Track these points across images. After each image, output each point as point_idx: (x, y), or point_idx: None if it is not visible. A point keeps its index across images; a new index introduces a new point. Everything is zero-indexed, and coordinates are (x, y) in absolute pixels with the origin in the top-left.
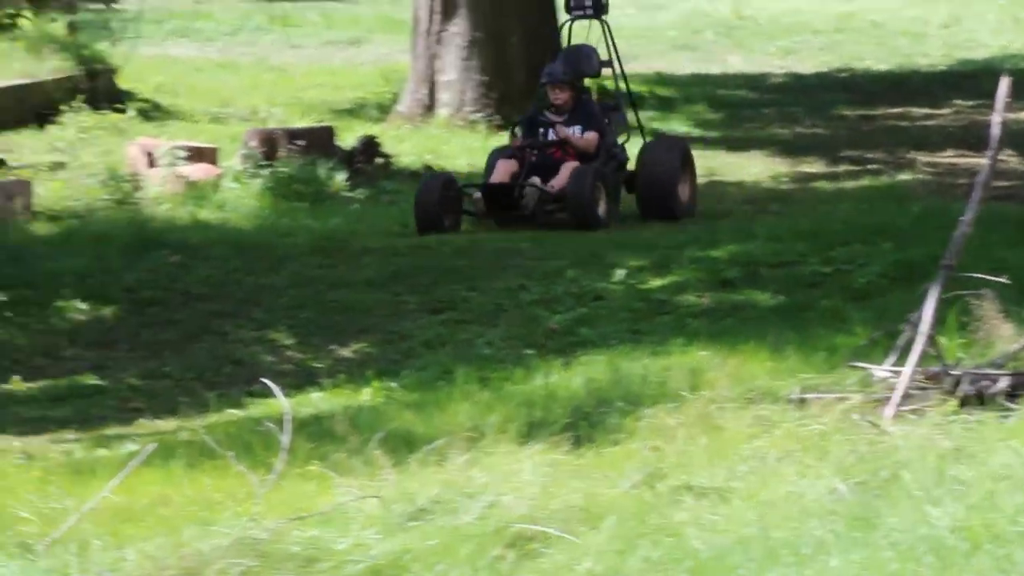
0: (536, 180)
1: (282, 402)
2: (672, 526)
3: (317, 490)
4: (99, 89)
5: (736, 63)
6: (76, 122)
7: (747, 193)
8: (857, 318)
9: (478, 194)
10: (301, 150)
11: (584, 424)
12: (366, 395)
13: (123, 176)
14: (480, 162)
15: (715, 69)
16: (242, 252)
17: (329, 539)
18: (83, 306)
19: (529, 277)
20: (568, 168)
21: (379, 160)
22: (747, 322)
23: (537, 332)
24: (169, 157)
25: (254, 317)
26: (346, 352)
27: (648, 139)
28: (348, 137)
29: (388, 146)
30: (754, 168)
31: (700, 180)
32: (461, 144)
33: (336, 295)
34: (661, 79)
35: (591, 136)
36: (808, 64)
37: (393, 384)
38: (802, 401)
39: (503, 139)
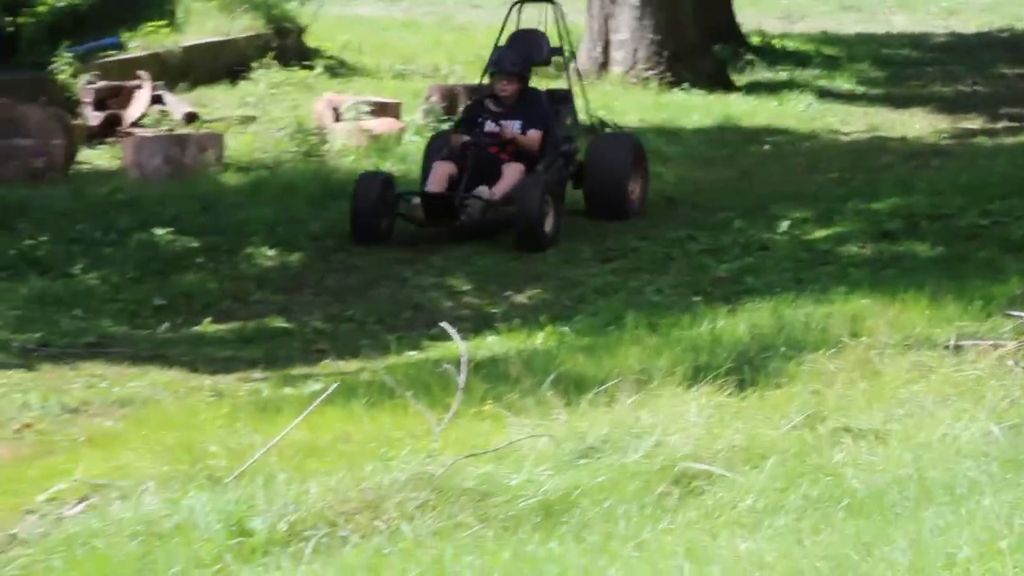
0: (483, 191)
1: (459, 345)
2: (831, 466)
3: (491, 428)
4: (288, 47)
5: (900, 23)
6: (266, 78)
7: (909, 148)
8: (1013, 268)
9: (416, 200)
10: None
11: (748, 368)
12: (540, 339)
13: (310, 130)
14: (651, 118)
15: (880, 29)
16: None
17: (502, 475)
18: (271, 253)
19: (697, 227)
20: (512, 171)
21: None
22: (907, 272)
23: (704, 280)
24: (354, 112)
25: (433, 264)
26: (521, 298)
27: (598, 125)
28: None
29: None
30: (916, 124)
31: (862, 135)
32: (633, 100)
33: (512, 243)
34: (827, 38)
35: (534, 135)
36: (970, 24)
37: (565, 329)
38: (958, 348)
39: (674, 96)
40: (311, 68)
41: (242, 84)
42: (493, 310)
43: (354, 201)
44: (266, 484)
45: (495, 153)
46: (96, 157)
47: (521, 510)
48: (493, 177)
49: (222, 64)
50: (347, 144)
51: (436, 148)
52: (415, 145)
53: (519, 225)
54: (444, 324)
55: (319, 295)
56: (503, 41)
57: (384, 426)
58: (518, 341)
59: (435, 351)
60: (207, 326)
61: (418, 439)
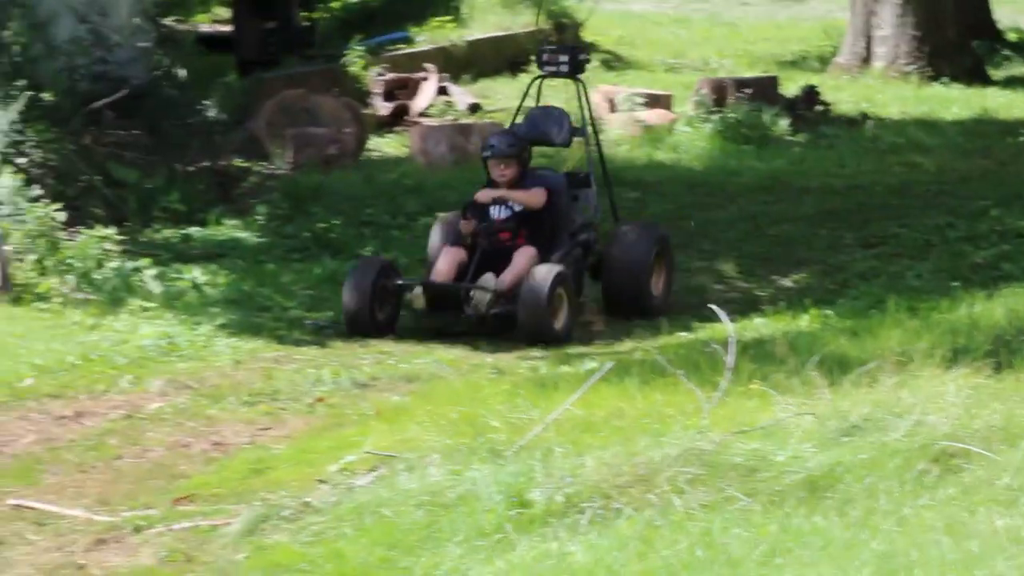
0: (489, 280)
1: (728, 326)
2: None
3: (758, 407)
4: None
5: None
6: None
7: None
8: None
9: (418, 290)
10: (748, 98)
11: (1005, 351)
12: (804, 321)
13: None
14: (912, 110)
15: None
16: (693, 189)
17: (768, 451)
18: None
19: (956, 215)
20: (523, 257)
21: (819, 107)
22: None
23: (962, 266)
24: (628, 103)
25: (703, 249)
26: (786, 282)
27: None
28: (790, 86)
29: (827, 95)
30: None
31: None
32: (894, 94)
33: (778, 230)
34: None
35: (537, 192)
36: None
37: (829, 312)
38: None
39: (934, 90)
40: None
41: (522, 76)
42: (760, 293)
43: (346, 290)
44: (544, 457)
45: (506, 239)
46: (385, 145)
47: (787, 485)
48: (504, 266)
49: (503, 57)
50: (622, 133)
51: (444, 232)
52: (686, 135)
53: (524, 317)
54: (713, 306)
55: (593, 277)
56: (521, 118)
57: (656, 403)
58: (783, 323)
59: (704, 332)
60: None
61: (688, 416)
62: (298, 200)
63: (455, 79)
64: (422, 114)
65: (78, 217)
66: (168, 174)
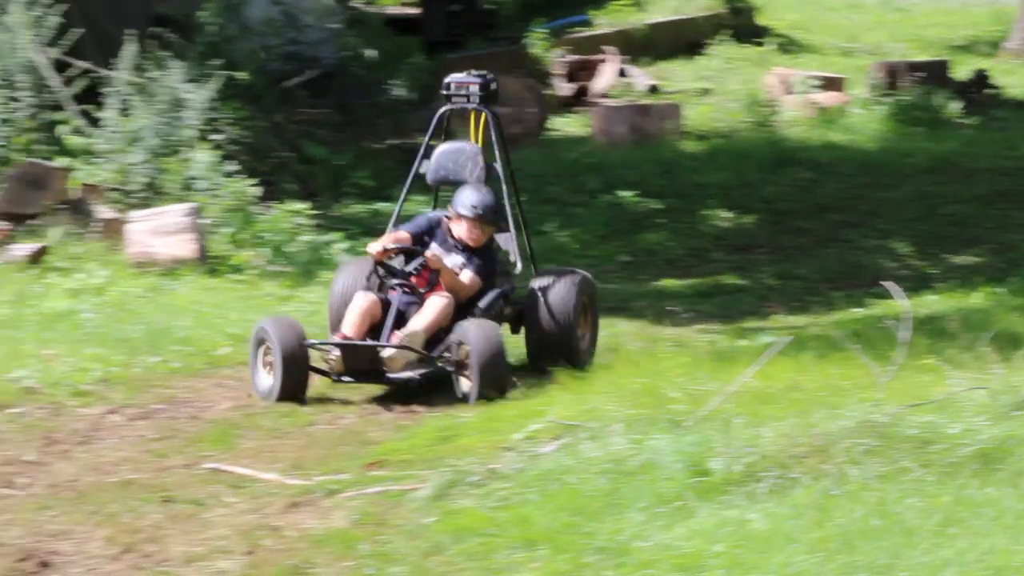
0: (411, 333)
1: (902, 303)
2: None
3: (932, 381)
4: (741, 25)
5: None
6: (721, 53)
7: None
8: None
9: (336, 353)
10: (920, 81)
11: None
12: (976, 299)
13: (762, 101)
14: None
15: None
16: (866, 170)
17: (941, 424)
18: (726, 214)
19: None
20: (437, 305)
21: (989, 91)
22: None
23: None
24: (803, 85)
25: (876, 227)
26: (958, 260)
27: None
28: (961, 70)
29: (997, 79)
30: None
31: None
32: None
33: (950, 209)
34: None
35: (474, 280)
36: None
37: (1000, 289)
38: None
39: None
40: (762, 44)
41: (699, 59)
42: (931, 271)
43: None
44: (723, 428)
45: (417, 284)
46: (566, 124)
47: (960, 457)
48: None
49: (681, 40)
50: (796, 115)
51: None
52: (859, 117)
53: (485, 377)
54: (887, 283)
55: (770, 254)
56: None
57: (831, 377)
58: (956, 300)
59: (878, 308)
60: (668, 281)
61: (863, 389)
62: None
63: (634, 61)
64: (602, 95)
65: (271, 192)
66: (357, 151)
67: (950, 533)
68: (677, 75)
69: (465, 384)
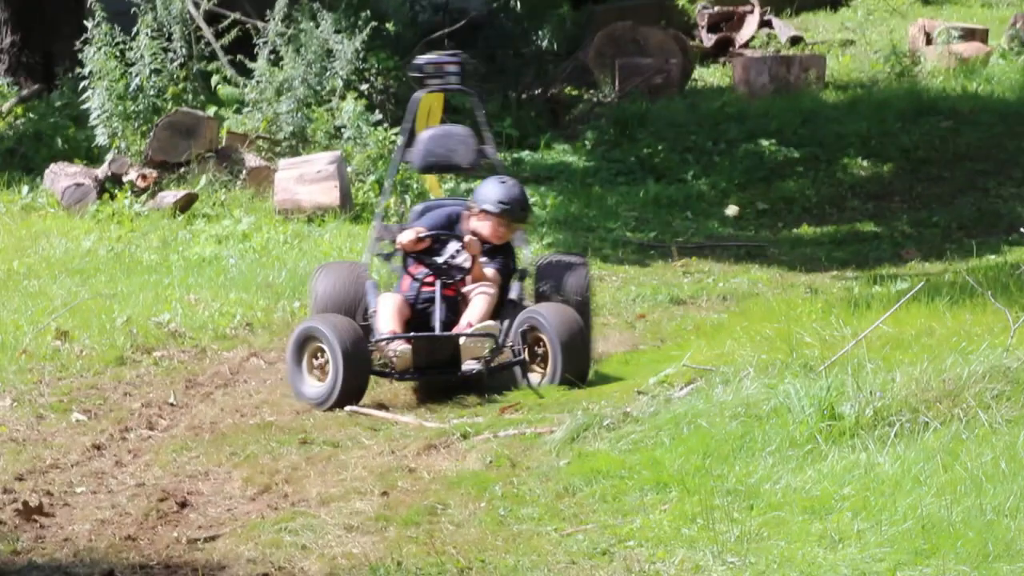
0: (485, 325)
1: None
2: None
3: None
4: None
5: None
6: (864, 5)
7: None
8: None
9: (403, 346)
10: None
11: None
12: None
13: (903, 52)
14: None
15: None
16: (1006, 119)
17: None
18: (864, 163)
19: None
20: (486, 297)
21: None
22: None
23: None
24: (944, 36)
25: (1014, 176)
26: None
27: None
28: None
29: None
30: None
31: None
32: None
33: None
34: None
35: (495, 278)
36: None
37: None
38: None
39: None
40: None
41: (842, 10)
42: None
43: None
44: (855, 373)
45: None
46: (708, 75)
47: None
48: (462, 309)
49: None
50: (936, 66)
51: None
52: (1000, 68)
53: (568, 358)
54: None
55: (907, 202)
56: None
57: (964, 322)
58: None
59: (1013, 255)
60: (805, 229)
61: (996, 335)
62: (624, 127)
63: (777, 13)
64: (745, 46)
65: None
66: (503, 101)
67: None
68: (819, 26)
69: (535, 376)
